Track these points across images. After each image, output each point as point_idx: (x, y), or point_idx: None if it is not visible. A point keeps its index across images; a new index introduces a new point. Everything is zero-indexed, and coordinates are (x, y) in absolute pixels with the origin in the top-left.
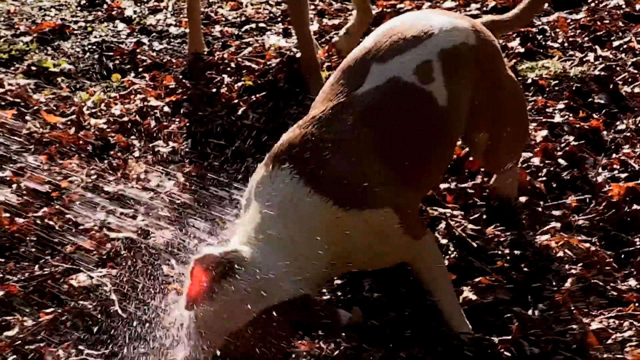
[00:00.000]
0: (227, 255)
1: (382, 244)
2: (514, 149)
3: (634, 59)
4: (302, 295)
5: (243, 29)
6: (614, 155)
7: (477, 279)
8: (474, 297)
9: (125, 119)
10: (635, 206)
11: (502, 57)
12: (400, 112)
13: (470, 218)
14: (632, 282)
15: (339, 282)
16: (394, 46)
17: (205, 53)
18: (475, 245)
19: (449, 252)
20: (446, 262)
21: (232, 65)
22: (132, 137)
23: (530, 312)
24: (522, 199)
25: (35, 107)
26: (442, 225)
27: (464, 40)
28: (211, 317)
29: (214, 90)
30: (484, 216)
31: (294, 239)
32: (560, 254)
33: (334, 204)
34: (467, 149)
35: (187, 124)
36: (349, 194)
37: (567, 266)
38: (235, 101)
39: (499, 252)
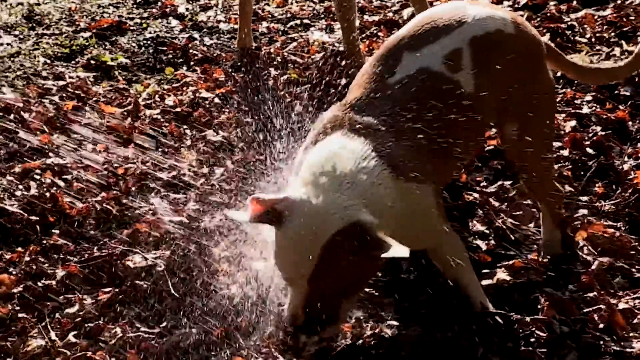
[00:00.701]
0: (278, 202)
1: (419, 219)
2: (542, 147)
3: None
4: (353, 221)
5: (288, 25)
6: (639, 145)
7: (511, 262)
8: (507, 278)
9: (178, 109)
10: None
11: (543, 54)
12: (429, 101)
13: (513, 213)
14: None
15: None
16: (426, 35)
17: (253, 48)
18: (513, 238)
19: (488, 239)
20: (484, 247)
21: (278, 59)
22: (185, 126)
23: (560, 293)
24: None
25: (94, 99)
26: (480, 212)
27: (499, 28)
28: (286, 267)
29: (261, 83)
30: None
31: (347, 181)
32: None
33: (391, 172)
34: None
35: (236, 115)
36: (399, 165)
37: (594, 249)
38: (281, 93)
39: (535, 247)
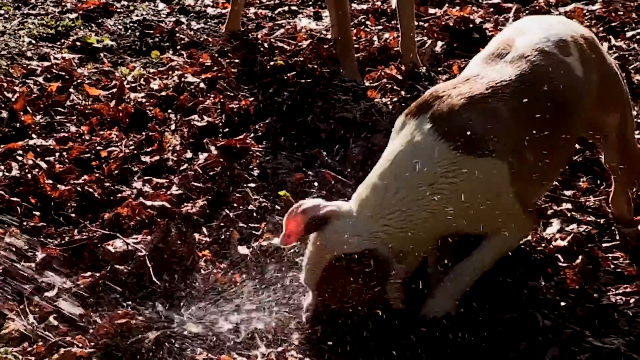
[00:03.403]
0: (327, 209)
1: (489, 197)
2: (633, 133)
3: None
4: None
5: (276, 12)
6: None
7: None
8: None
9: (163, 93)
10: None
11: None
12: (542, 80)
13: None
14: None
15: None
16: (532, 28)
17: (240, 33)
18: None
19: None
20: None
21: (265, 45)
22: (169, 110)
23: (543, 286)
24: None
25: (79, 81)
26: None
27: (582, 32)
28: (310, 257)
29: (248, 68)
30: None
31: (396, 200)
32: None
33: (454, 149)
34: None
35: (222, 100)
36: (470, 141)
37: (577, 244)
38: (267, 80)
39: None
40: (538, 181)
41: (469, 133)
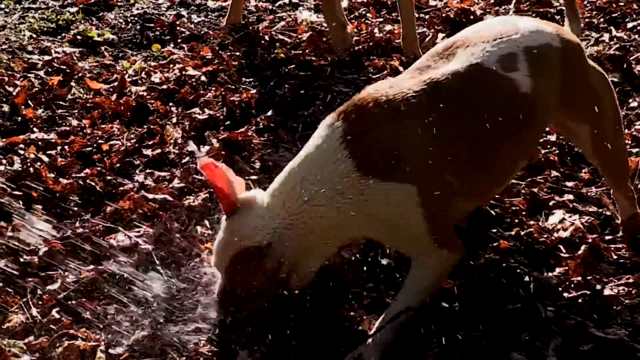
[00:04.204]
0: (242, 200)
1: (395, 221)
2: (619, 140)
3: None
4: (262, 246)
5: (277, 4)
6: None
7: (496, 243)
8: (495, 257)
9: (164, 87)
10: None
11: (585, 54)
12: (471, 98)
13: None
14: None
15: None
16: (481, 39)
17: (240, 26)
18: (494, 213)
19: (468, 218)
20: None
21: (266, 38)
22: (171, 104)
23: (546, 276)
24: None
25: (80, 74)
26: None
27: (548, 42)
28: (217, 246)
29: (249, 61)
30: None
31: (303, 196)
32: (575, 223)
33: (358, 171)
34: None
35: (223, 93)
36: (377, 163)
37: (580, 235)
38: (269, 72)
39: (517, 221)
40: (469, 198)
41: (377, 153)
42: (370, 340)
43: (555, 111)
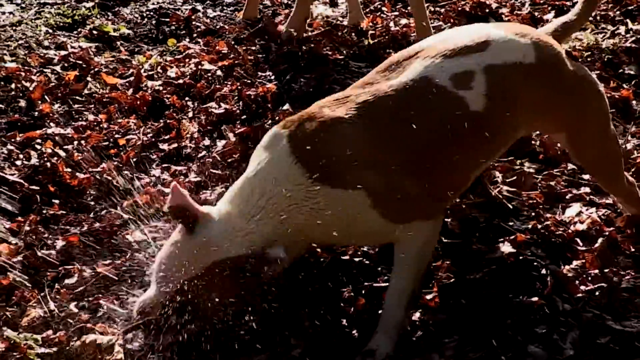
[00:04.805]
0: (198, 212)
1: (355, 224)
2: (606, 144)
3: None
4: (245, 254)
5: None
6: None
7: (513, 236)
8: (512, 250)
9: (180, 81)
10: None
11: (565, 62)
12: (418, 112)
13: (507, 180)
14: None
15: None
16: (444, 51)
17: (256, 20)
18: (511, 206)
19: (485, 211)
20: (482, 219)
21: (282, 31)
22: (187, 98)
23: (563, 269)
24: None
25: (96, 69)
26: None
27: (517, 60)
28: (172, 261)
29: (264, 56)
30: (523, 179)
31: (261, 204)
32: (591, 216)
33: (309, 178)
34: None
35: (239, 87)
36: (328, 171)
37: (597, 227)
38: (284, 66)
39: (534, 214)
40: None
41: (323, 161)
42: (380, 332)
43: (526, 125)
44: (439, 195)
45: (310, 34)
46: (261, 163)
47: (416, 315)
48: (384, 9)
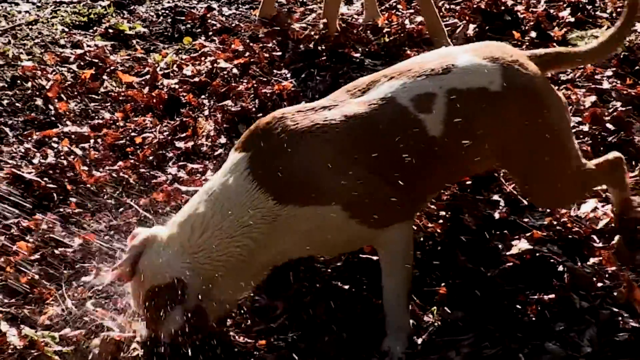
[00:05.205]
0: (145, 239)
1: (336, 235)
2: (558, 186)
3: None
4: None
5: None
6: None
7: (529, 233)
8: (529, 247)
9: (196, 79)
10: None
11: (540, 97)
12: (383, 130)
13: None
14: None
15: None
16: (408, 72)
17: (272, 18)
18: (526, 202)
19: (500, 208)
20: (497, 216)
21: (297, 29)
22: (203, 96)
23: (580, 266)
24: None
25: (112, 68)
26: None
27: (482, 86)
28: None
29: (280, 53)
30: None
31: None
32: (607, 213)
33: (274, 199)
34: None
35: (255, 85)
36: (294, 190)
37: (613, 224)
38: (300, 64)
39: (550, 211)
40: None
41: (288, 180)
42: (389, 335)
43: (490, 156)
44: (413, 198)
45: (325, 31)
46: (218, 187)
47: (432, 313)
48: (399, 6)
